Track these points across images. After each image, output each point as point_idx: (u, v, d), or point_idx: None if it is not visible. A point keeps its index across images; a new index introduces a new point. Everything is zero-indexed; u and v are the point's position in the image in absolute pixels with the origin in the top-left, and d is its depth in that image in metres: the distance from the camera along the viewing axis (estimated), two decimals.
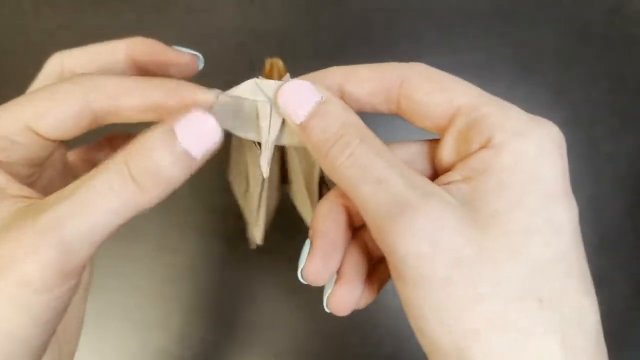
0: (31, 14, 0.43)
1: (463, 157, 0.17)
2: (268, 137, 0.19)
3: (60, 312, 0.16)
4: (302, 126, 0.17)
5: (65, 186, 0.16)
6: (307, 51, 0.42)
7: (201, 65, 0.21)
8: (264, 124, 0.19)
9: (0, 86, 0.42)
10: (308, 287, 0.39)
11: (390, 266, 0.16)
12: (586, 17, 0.43)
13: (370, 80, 0.18)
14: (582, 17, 0.43)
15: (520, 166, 0.16)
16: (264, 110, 0.19)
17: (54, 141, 0.18)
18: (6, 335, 0.15)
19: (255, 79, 0.19)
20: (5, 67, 0.42)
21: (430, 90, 0.17)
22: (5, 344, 0.15)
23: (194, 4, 0.43)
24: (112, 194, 0.15)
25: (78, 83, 0.18)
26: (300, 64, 0.42)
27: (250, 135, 0.19)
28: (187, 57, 0.22)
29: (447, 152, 0.18)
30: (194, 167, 0.16)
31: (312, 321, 0.39)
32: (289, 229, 0.39)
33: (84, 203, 0.15)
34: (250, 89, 0.19)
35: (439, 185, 0.17)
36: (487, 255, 0.15)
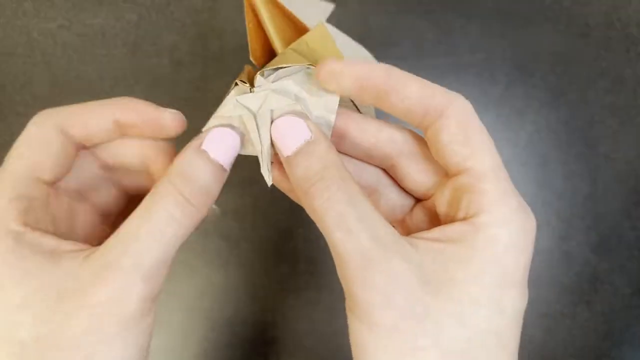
0: (31, 14, 0.43)
1: (446, 216, 0.19)
2: (262, 148, 0.19)
3: (151, 334, 0.18)
4: (288, 160, 0.19)
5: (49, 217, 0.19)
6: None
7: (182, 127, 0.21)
8: (253, 135, 0.19)
9: (1, 86, 0.42)
10: (308, 287, 0.40)
11: (348, 303, 0.18)
12: (586, 17, 0.43)
13: (416, 99, 0.18)
14: (582, 17, 0.43)
15: (489, 249, 0.17)
16: (250, 123, 0.19)
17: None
18: None
19: (237, 97, 0.20)
20: (5, 67, 0.42)
21: (456, 139, 0.18)
22: None
23: (194, 4, 0.43)
24: (175, 222, 0.17)
25: (49, 120, 0.20)
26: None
27: (245, 151, 0.20)
28: (169, 114, 0.21)
29: (440, 201, 0.20)
30: (225, 177, 0.19)
31: (312, 321, 0.39)
32: (288, 229, 0.39)
33: (154, 239, 0.17)
34: (232, 107, 0.20)
35: (411, 236, 0.18)
36: (434, 316, 0.16)
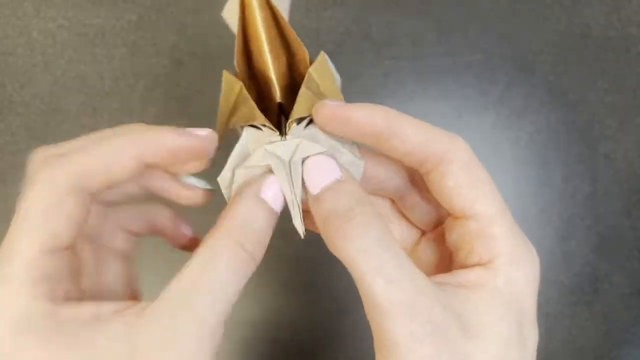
0: (31, 14, 0.43)
1: (462, 261, 0.19)
2: (294, 198, 0.19)
3: None
4: (316, 197, 0.18)
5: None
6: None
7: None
8: (283, 186, 0.19)
9: (1, 86, 0.42)
10: (308, 287, 0.40)
11: (384, 353, 0.17)
12: (586, 17, 0.43)
13: (415, 143, 0.18)
14: (582, 17, 0.43)
15: (510, 291, 0.18)
16: (280, 173, 0.19)
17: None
18: None
19: (265, 146, 0.19)
20: (5, 67, 0.42)
21: (461, 184, 0.18)
22: None
23: (194, 4, 0.43)
24: (237, 276, 0.17)
25: (59, 180, 0.17)
26: None
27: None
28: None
29: (450, 239, 0.20)
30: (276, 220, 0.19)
31: (312, 320, 0.39)
32: (288, 230, 0.39)
33: (219, 295, 0.16)
34: (261, 157, 0.19)
35: (435, 281, 0.18)
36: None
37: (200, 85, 0.41)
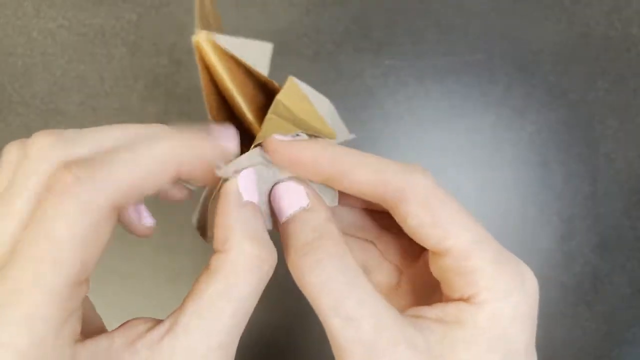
0: (31, 14, 0.43)
1: (446, 294, 0.18)
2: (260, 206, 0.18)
3: None
4: (282, 227, 0.18)
5: None
6: (307, 51, 0.42)
7: None
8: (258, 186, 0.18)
9: (1, 86, 0.42)
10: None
11: None
12: (586, 17, 0.43)
13: (366, 184, 0.17)
14: (582, 17, 0.43)
15: (494, 326, 0.16)
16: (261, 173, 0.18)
17: None
18: None
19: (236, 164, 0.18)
20: (5, 67, 0.42)
21: (424, 222, 0.17)
22: None
23: (194, 4, 0.43)
24: (256, 292, 0.16)
25: (93, 204, 0.14)
26: (300, 64, 0.42)
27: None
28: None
29: (433, 271, 0.18)
30: None
31: (312, 320, 0.39)
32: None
33: (238, 315, 0.16)
34: (247, 158, 0.18)
35: (412, 314, 0.17)
36: None
37: (200, 85, 0.40)
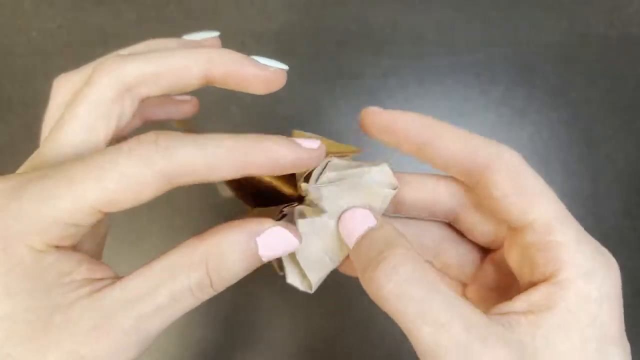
0: (31, 14, 0.43)
1: (526, 280, 0.17)
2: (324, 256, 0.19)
3: None
4: (353, 250, 0.18)
5: None
6: (307, 51, 0.42)
7: (283, 81, 0.19)
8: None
9: (1, 86, 0.42)
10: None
11: None
12: (586, 17, 0.43)
13: (455, 153, 0.18)
14: (582, 17, 0.43)
15: (583, 309, 0.16)
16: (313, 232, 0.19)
17: None
18: None
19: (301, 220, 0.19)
20: (5, 67, 0.42)
21: (510, 192, 0.17)
22: None
23: (194, 4, 0.43)
24: (192, 298, 0.16)
25: (156, 162, 0.15)
26: (300, 64, 0.42)
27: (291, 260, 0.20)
28: (270, 73, 0.18)
29: (511, 258, 0.18)
30: (258, 265, 0.17)
31: (312, 320, 0.39)
32: None
33: (165, 309, 0.15)
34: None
35: (497, 312, 0.16)
36: None
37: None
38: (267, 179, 0.21)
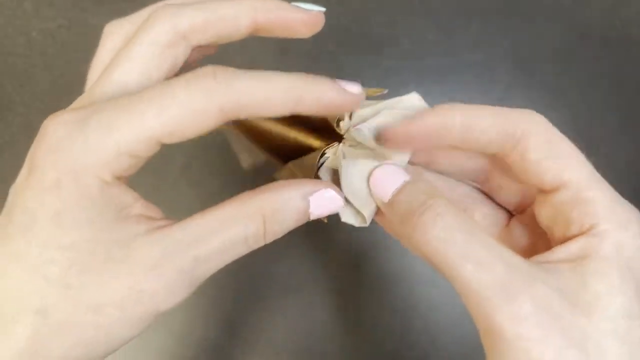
0: (31, 14, 0.43)
1: (560, 237, 0.18)
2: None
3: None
4: (389, 203, 0.18)
5: None
6: (307, 51, 0.42)
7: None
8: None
9: (1, 86, 0.42)
10: (308, 287, 0.39)
11: (490, 342, 0.16)
12: (586, 17, 0.43)
13: (492, 127, 0.18)
14: (582, 17, 0.43)
15: (619, 256, 0.16)
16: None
17: None
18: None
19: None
20: (5, 67, 0.42)
21: (545, 155, 0.18)
22: None
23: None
24: (244, 246, 0.17)
25: (214, 93, 0.16)
26: (300, 64, 0.42)
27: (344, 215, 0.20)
28: (313, 16, 0.19)
29: (542, 216, 0.19)
30: (305, 222, 0.18)
31: (312, 320, 0.39)
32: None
33: (220, 252, 0.16)
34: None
35: (535, 261, 0.17)
36: (593, 339, 0.15)
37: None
38: (293, 135, 0.22)
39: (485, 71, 0.42)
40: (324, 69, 0.42)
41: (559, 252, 0.17)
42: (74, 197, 0.15)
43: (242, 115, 0.16)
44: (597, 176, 0.18)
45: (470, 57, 0.42)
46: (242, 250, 0.17)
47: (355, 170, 0.20)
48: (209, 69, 0.16)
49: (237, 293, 0.39)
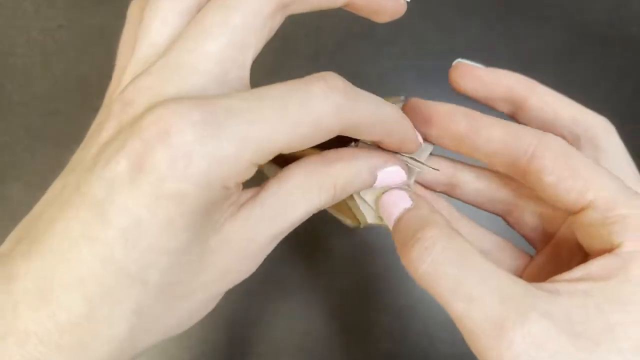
0: (31, 14, 0.43)
1: (581, 255, 0.17)
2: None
3: None
4: (392, 232, 0.18)
5: None
6: (307, 51, 0.42)
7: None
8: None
9: (1, 86, 0.42)
10: (307, 287, 0.39)
11: None
12: (586, 17, 0.43)
13: (499, 142, 0.18)
14: (582, 17, 0.43)
15: None
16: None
17: None
18: None
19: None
20: (5, 67, 0.42)
21: (563, 176, 0.17)
22: None
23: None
24: (315, 206, 0.17)
25: (343, 110, 0.15)
26: (300, 64, 0.42)
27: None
28: (401, 5, 0.21)
29: (579, 238, 0.18)
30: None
31: (312, 320, 0.39)
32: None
33: (294, 224, 0.17)
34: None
35: (550, 281, 0.16)
36: None
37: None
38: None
39: None
40: (323, 69, 0.42)
41: (577, 271, 0.16)
42: (192, 207, 0.14)
43: (349, 134, 0.16)
44: (626, 189, 0.16)
45: (470, 57, 0.42)
46: (308, 216, 0.17)
47: (367, 197, 0.20)
48: (339, 83, 0.16)
49: (237, 293, 0.39)
